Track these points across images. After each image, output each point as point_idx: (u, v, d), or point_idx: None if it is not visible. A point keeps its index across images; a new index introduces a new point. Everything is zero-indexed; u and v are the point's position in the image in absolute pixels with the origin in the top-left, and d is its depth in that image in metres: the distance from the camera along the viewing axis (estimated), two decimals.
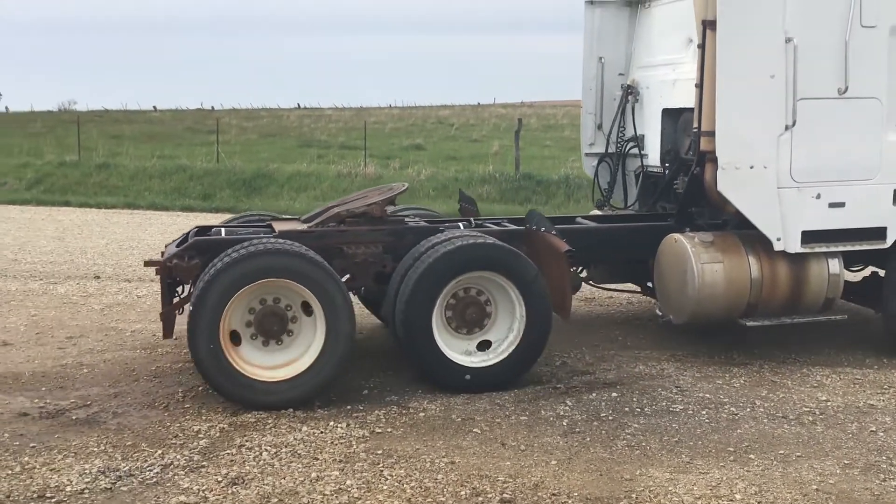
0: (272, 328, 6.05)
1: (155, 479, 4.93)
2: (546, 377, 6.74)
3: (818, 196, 6.67)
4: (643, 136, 8.04)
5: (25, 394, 6.37)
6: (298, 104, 60.87)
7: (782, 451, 5.37)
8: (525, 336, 6.33)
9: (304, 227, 6.84)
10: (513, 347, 6.35)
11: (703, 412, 6.02)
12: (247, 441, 5.47)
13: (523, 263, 6.32)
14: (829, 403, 6.22)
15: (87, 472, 5.02)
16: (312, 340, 6.07)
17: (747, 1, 6.49)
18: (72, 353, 7.46)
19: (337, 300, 5.99)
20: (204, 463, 5.15)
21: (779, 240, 6.64)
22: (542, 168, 21.82)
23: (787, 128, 6.56)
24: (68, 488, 4.82)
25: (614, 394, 6.37)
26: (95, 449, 5.36)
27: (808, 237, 6.70)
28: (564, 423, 5.80)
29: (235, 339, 6.03)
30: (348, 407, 6.10)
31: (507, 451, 5.36)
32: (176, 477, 4.96)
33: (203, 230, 7.25)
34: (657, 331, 8.09)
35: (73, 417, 5.92)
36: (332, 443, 5.45)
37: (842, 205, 6.72)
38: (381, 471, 5.04)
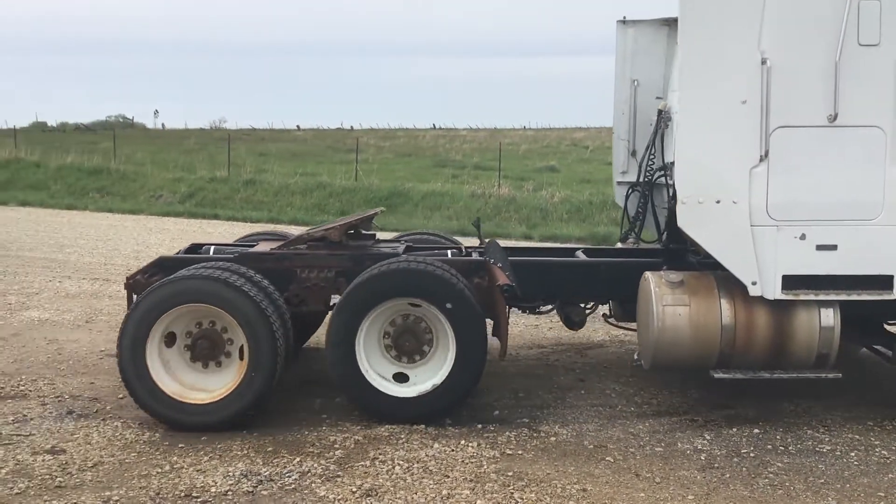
0: (205, 351, 6.02)
1: (293, 486, 5.11)
2: (683, 409, 6.55)
3: (802, 236, 5.80)
4: (672, 164, 7.05)
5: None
6: (434, 125, 62.00)
7: None
8: (453, 370, 6.00)
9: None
10: (442, 380, 6.04)
11: (853, 454, 5.70)
12: (380, 454, 5.57)
13: (454, 293, 5.97)
14: None
15: (231, 474, 5.25)
16: (235, 366, 6.02)
17: (714, 18, 5.79)
18: None
19: (257, 328, 5.85)
20: (339, 473, 5.29)
21: (754, 284, 5.84)
22: None
23: (761, 159, 5.77)
24: (213, 489, 5.05)
25: (756, 430, 6.12)
26: (239, 453, 5.60)
27: (792, 283, 5.84)
28: (703, 458, 5.62)
29: (171, 363, 6.05)
30: (479, 426, 6.12)
31: (641, 482, 5.23)
32: (313, 485, 5.12)
33: (196, 247, 7.44)
34: None
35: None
36: (462, 461, 5.48)
37: (833, 247, 5.80)
38: (512, 493, 5.02)
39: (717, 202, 5.82)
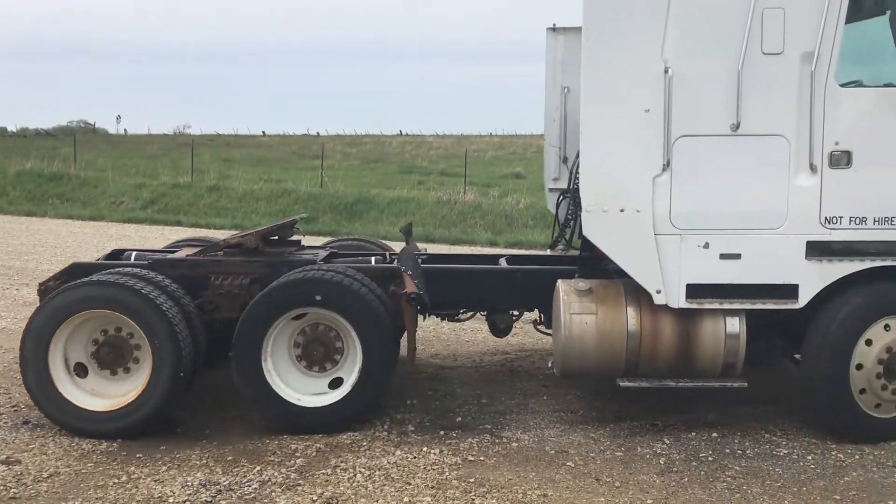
0: (110, 358, 6.00)
1: (253, 495, 5.06)
2: (643, 413, 6.60)
3: (706, 245, 5.75)
4: None
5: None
6: (401, 131, 61.99)
7: (892, 502, 5.10)
8: (359, 379, 6.00)
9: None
10: (348, 390, 6.03)
11: (809, 457, 5.78)
12: (342, 462, 5.55)
13: (357, 302, 5.96)
14: None
15: (189, 484, 5.20)
16: (144, 372, 5.98)
17: (617, 26, 5.71)
18: None
19: (160, 334, 5.83)
20: (300, 481, 5.26)
21: (658, 292, 5.80)
22: None
23: (664, 168, 5.73)
24: (171, 500, 5.00)
25: (714, 434, 6.19)
26: (197, 462, 5.55)
27: (696, 291, 5.80)
28: (662, 462, 5.67)
29: (81, 369, 6.04)
30: (441, 433, 6.12)
31: (601, 486, 5.27)
32: (273, 494, 5.08)
33: (118, 253, 7.40)
34: (758, 372, 7.82)
35: (178, 430, 6.14)
36: (424, 468, 5.48)
37: (737, 256, 5.75)
38: (473, 500, 5.03)
39: (622, 211, 5.79)
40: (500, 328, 7.03)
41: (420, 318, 6.65)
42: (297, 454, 5.68)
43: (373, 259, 7.14)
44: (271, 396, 6.02)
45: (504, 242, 17.54)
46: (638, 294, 5.93)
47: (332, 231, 18.42)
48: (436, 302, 6.69)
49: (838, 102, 5.68)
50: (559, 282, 6.15)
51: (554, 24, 7.47)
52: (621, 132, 5.76)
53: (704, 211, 5.77)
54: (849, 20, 5.70)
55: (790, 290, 5.80)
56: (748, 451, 5.87)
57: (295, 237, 7.41)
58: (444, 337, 9.09)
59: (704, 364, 5.96)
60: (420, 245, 8.46)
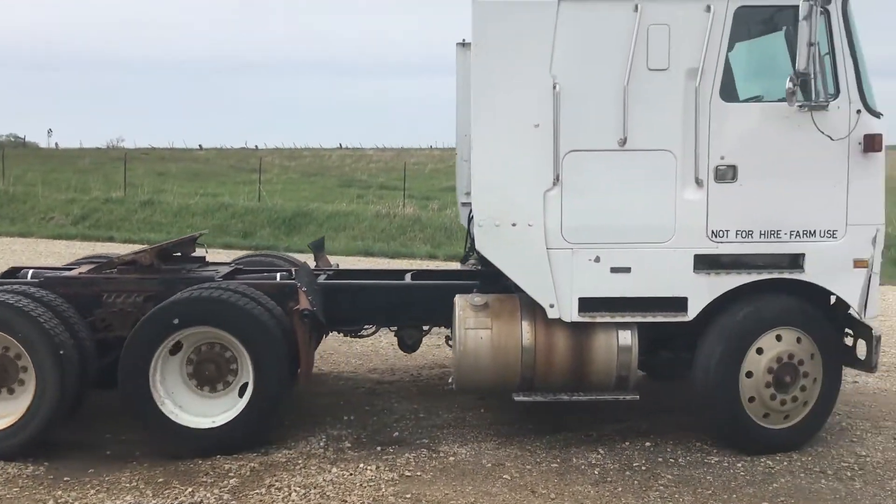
0: None
1: None
2: (579, 424, 6.66)
3: (597, 259, 5.82)
4: None
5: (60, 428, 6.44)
6: (340, 144, 61.70)
7: None
8: (251, 400, 5.88)
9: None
10: (240, 411, 5.90)
11: (739, 464, 5.91)
12: (276, 481, 5.48)
13: (246, 320, 5.85)
14: (868, 459, 6.07)
15: None
16: (28, 394, 5.84)
17: (505, 42, 5.75)
18: None
19: (42, 353, 5.71)
20: (233, 502, 5.18)
21: (552, 306, 5.85)
22: None
23: (555, 182, 5.78)
24: None
25: (647, 443, 6.28)
26: (127, 485, 5.42)
27: (588, 305, 5.86)
28: (596, 472, 5.73)
29: None
30: (378, 449, 6.09)
31: (536, 498, 5.30)
32: None
33: (15, 270, 7.26)
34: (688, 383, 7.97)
35: (107, 452, 5.99)
36: (361, 485, 5.44)
37: (626, 270, 5.83)
38: None
39: (513, 225, 5.82)
40: (407, 344, 6.93)
41: (325, 335, 6.61)
42: (231, 474, 5.59)
43: (278, 275, 6.95)
44: (159, 418, 5.86)
45: (443, 255, 17.58)
46: (533, 308, 5.95)
47: (271, 245, 18.24)
48: (338, 318, 6.64)
49: (723, 117, 5.79)
50: (456, 297, 6.14)
51: (464, 40, 7.48)
52: (512, 147, 5.80)
53: (595, 225, 5.83)
54: (735, 39, 5.88)
55: (679, 303, 5.88)
56: (680, 460, 5.97)
57: (199, 253, 7.34)
58: (383, 351, 9.07)
59: (598, 377, 6.00)
60: (334, 260, 8.38)
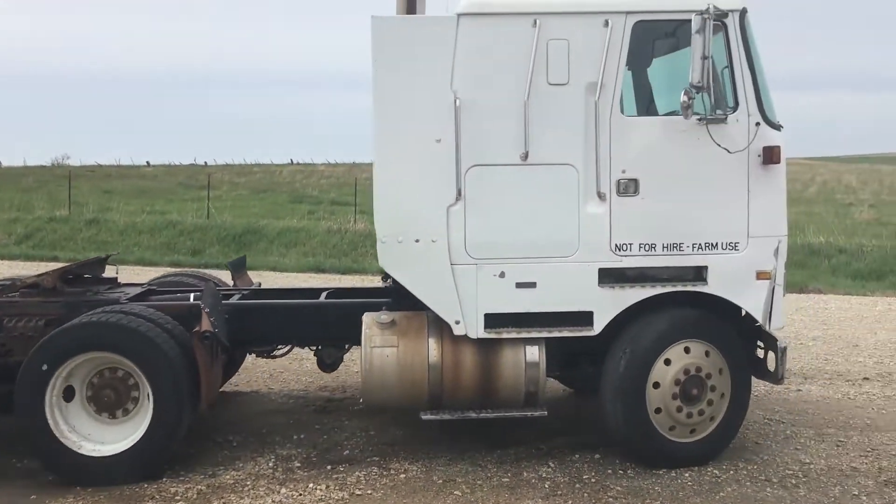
0: None
1: None
2: (530, 437, 6.67)
3: (502, 274, 5.77)
4: None
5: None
6: (291, 160, 61.27)
7: None
8: (150, 426, 5.71)
9: None
10: (138, 438, 5.73)
11: (686, 474, 5.97)
12: None
13: (142, 344, 5.69)
14: (812, 466, 6.19)
15: None
16: None
17: (406, 57, 5.74)
18: None
19: None
20: None
21: (458, 323, 5.79)
22: None
23: (457, 198, 5.75)
24: None
25: (597, 455, 6.32)
26: None
27: (495, 321, 5.81)
28: (547, 486, 5.75)
29: None
30: (328, 468, 6.04)
31: None
32: None
33: None
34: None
35: (49, 478, 5.83)
36: None
37: (532, 285, 5.78)
38: None
39: (417, 241, 5.78)
40: (326, 363, 6.81)
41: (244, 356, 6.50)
42: (177, 497, 5.50)
43: (192, 296, 6.75)
44: (55, 446, 5.69)
45: None
46: (441, 325, 5.89)
47: (220, 263, 18.01)
48: (250, 338, 6.55)
49: (623, 131, 5.81)
50: (365, 315, 6.05)
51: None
52: (414, 162, 5.78)
53: (499, 240, 5.80)
54: (635, 53, 5.89)
55: (585, 318, 5.86)
56: (629, 471, 6.02)
57: (100, 276, 7.17)
58: None
59: (507, 393, 5.94)
60: (254, 278, 8.29)
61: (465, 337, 5.84)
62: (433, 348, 5.88)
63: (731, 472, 6.03)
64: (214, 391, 6.03)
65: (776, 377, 6.09)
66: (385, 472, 5.97)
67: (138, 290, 7.02)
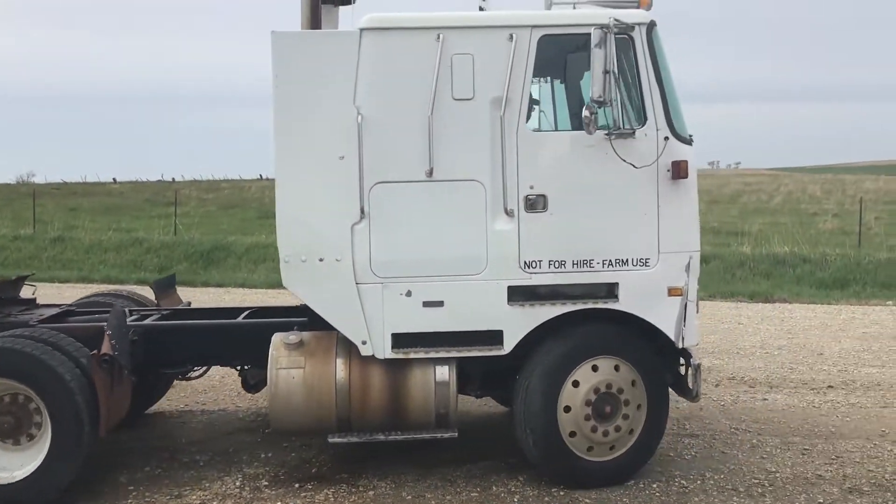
0: None
1: None
2: (499, 451, 6.65)
3: (409, 293, 5.65)
4: None
5: None
6: (261, 175, 60.98)
7: None
8: (48, 455, 5.55)
9: None
10: (37, 465, 5.56)
11: (654, 485, 6.00)
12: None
13: (37, 368, 5.54)
14: (777, 475, 6.24)
15: None
16: None
17: (308, 74, 5.64)
18: None
19: None
20: None
21: (364, 343, 5.67)
22: None
23: (362, 216, 5.64)
24: None
25: None
26: None
27: (402, 341, 5.68)
28: (516, 499, 5.75)
29: None
30: (296, 486, 5.99)
31: None
32: None
33: None
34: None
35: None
36: None
37: (440, 304, 5.66)
38: None
39: (321, 260, 5.66)
40: (250, 384, 6.63)
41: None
42: None
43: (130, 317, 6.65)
44: None
45: None
46: (350, 345, 5.77)
47: (189, 280, 17.85)
48: (164, 360, 6.45)
49: (531, 146, 5.70)
50: (275, 336, 5.93)
51: None
52: (317, 180, 5.66)
53: (405, 259, 5.68)
54: (541, 67, 5.76)
55: (495, 337, 5.71)
56: None
57: (29, 296, 7.14)
58: None
59: (417, 415, 5.81)
60: (222, 295, 8.19)
61: (373, 357, 5.71)
62: (341, 369, 5.75)
63: (699, 482, 6.07)
64: (117, 415, 5.90)
65: (691, 395, 6.02)
66: (353, 489, 5.93)
67: (55, 311, 6.87)
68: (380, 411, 5.77)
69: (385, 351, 5.68)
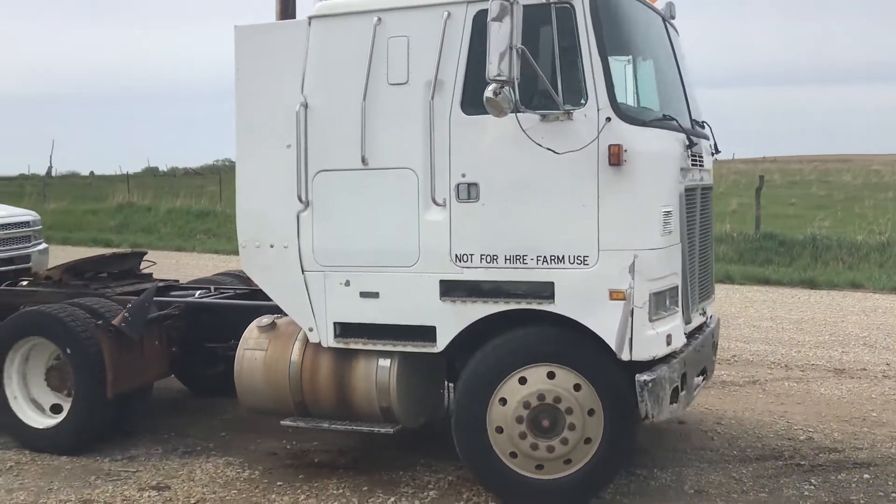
0: None
1: None
2: (789, 452, 6.35)
3: (347, 283, 5.51)
4: None
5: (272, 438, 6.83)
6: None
7: None
8: (74, 403, 6.47)
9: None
10: (66, 413, 6.52)
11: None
12: (473, 496, 5.57)
13: (66, 333, 6.40)
14: None
15: None
16: None
17: (264, 64, 5.70)
18: None
19: None
20: None
21: (311, 330, 5.65)
22: (786, 227, 19.89)
23: (306, 204, 5.58)
24: None
25: (867, 475, 5.88)
26: (335, 492, 5.72)
27: (343, 330, 5.58)
28: None
29: None
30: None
31: None
32: None
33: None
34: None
35: (315, 460, 6.34)
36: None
37: (375, 295, 5.46)
38: None
39: (272, 247, 5.74)
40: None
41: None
42: (430, 486, 5.77)
43: (197, 293, 7.51)
44: (11, 419, 6.65)
45: None
46: None
47: None
48: (204, 334, 6.96)
49: (463, 132, 5.22)
50: (256, 318, 6.16)
51: None
52: (268, 168, 5.74)
53: (343, 248, 5.57)
54: (477, 46, 5.10)
55: (428, 333, 5.39)
56: None
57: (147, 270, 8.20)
58: None
59: (362, 406, 5.67)
60: None
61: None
62: (296, 354, 5.82)
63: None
64: (129, 379, 6.49)
65: (640, 414, 5.05)
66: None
67: (158, 284, 7.65)
68: (328, 399, 5.77)
69: (328, 340, 5.67)
